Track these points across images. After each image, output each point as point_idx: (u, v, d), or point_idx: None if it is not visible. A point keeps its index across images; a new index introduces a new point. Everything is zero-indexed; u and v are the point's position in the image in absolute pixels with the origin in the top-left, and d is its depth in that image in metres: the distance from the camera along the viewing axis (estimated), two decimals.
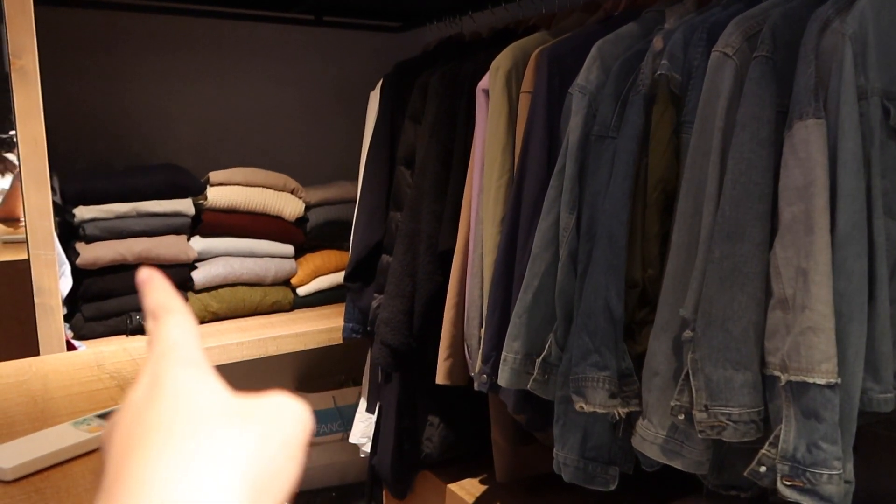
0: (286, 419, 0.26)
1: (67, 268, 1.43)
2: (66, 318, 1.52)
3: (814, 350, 0.80)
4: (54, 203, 1.32)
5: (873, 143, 0.83)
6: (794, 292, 0.82)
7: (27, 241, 1.25)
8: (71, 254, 1.53)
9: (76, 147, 1.79)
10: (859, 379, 0.82)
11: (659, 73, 0.98)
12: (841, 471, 0.79)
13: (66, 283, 1.41)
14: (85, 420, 0.73)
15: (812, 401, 0.80)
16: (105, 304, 1.58)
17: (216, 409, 0.24)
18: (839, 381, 0.79)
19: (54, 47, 1.71)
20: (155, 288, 0.31)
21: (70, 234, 1.58)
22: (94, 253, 1.54)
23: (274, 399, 0.26)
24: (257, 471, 0.23)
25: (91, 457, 0.69)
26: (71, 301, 1.54)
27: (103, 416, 0.74)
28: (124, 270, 1.59)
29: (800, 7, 0.90)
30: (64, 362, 0.98)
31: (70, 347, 1.39)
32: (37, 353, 1.26)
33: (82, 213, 1.54)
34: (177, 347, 0.27)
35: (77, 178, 1.59)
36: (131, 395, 0.26)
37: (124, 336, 1.59)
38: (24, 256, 1.26)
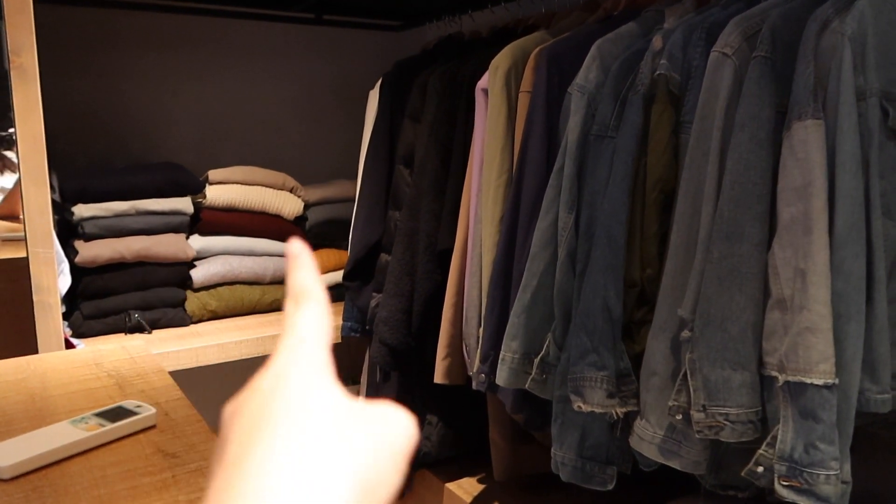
0: (396, 429, 0.27)
1: (66, 266, 1.43)
2: (65, 317, 1.52)
3: (811, 350, 0.80)
4: (53, 201, 1.32)
5: (872, 144, 0.83)
6: (792, 293, 0.82)
7: (26, 239, 1.25)
8: (70, 252, 1.53)
9: (75, 145, 1.79)
10: (857, 379, 0.82)
11: (658, 72, 0.98)
12: (838, 471, 0.79)
13: (64, 281, 1.41)
14: (83, 418, 0.73)
15: (810, 401, 0.80)
16: (104, 303, 1.58)
17: (336, 413, 0.25)
18: (837, 381, 0.79)
19: (54, 45, 1.71)
20: (301, 267, 0.31)
21: (69, 232, 1.58)
22: (93, 251, 1.54)
23: (384, 408, 0.27)
24: (367, 477, 0.24)
25: (89, 455, 0.69)
26: (70, 299, 1.54)
27: (101, 415, 0.74)
28: (123, 269, 1.59)
29: (799, 7, 0.90)
30: (62, 360, 0.98)
31: (68, 345, 1.39)
32: (35, 351, 1.26)
33: (81, 211, 1.54)
34: (307, 344, 0.28)
35: (76, 176, 1.59)
36: (258, 382, 0.27)
37: (123, 334, 1.59)
38: (23, 254, 1.26)
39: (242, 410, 0.26)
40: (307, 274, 0.30)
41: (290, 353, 0.28)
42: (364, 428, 0.25)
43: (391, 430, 0.26)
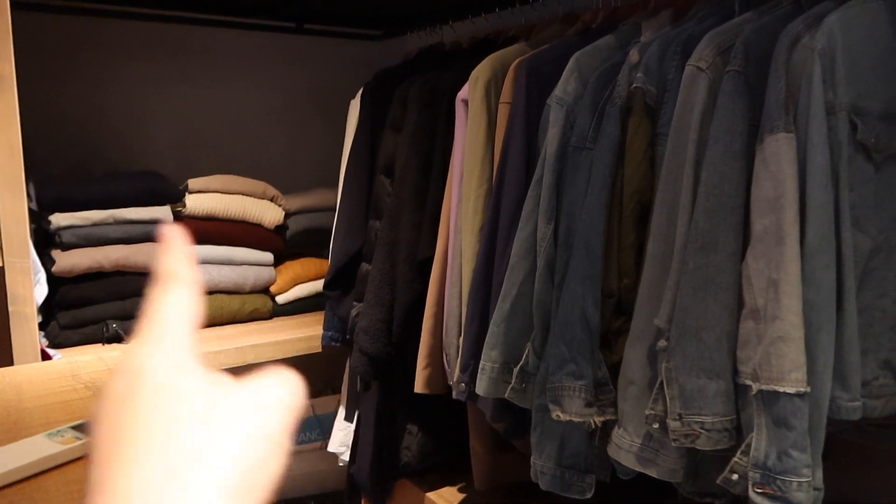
0: (274, 406, 0.25)
1: (43, 275, 1.42)
2: (41, 327, 1.50)
3: (784, 359, 0.81)
4: (30, 210, 1.31)
5: (841, 157, 0.85)
6: (765, 302, 0.83)
7: (2, 249, 1.23)
8: (47, 261, 1.51)
9: (53, 153, 1.78)
10: (828, 387, 0.83)
11: (635, 85, 1.00)
12: (810, 478, 0.81)
13: (41, 291, 1.39)
14: (59, 431, 0.72)
15: (782, 409, 0.81)
16: (81, 313, 1.56)
17: (198, 407, 0.24)
18: (808, 389, 0.81)
19: (32, 53, 1.70)
20: (171, 251, 0.29)
21: (46, 241, 1.56)
22: (71, 260, 1.52)
23: (261, 382, 0.26)
24: (242, 469, 0.23)
25: (66, 468, 0.68)
26: (46, 309, 1.53)
27: (78, 428, 0.73)
28: (101, 278, 1.57)
29: (771, 22, 0.92)
30: (38, 372, 0.97)
31: (45, 356, 1.37)
32: (10, 363, 1.25)
33: (59, 220, 1.53)
34: (168, 329, 0.26)
35: (54, 185, 1.57)
36: (113, 385, 0.25)
37: (100, 345, 1.57)
38: None
39: (100, 424, 0.24)
40: (177, 257, 0.28)
41: (146, 347, 0.26)
42: (236, 413, 0.24)
43: (268, 408, 0.25)
